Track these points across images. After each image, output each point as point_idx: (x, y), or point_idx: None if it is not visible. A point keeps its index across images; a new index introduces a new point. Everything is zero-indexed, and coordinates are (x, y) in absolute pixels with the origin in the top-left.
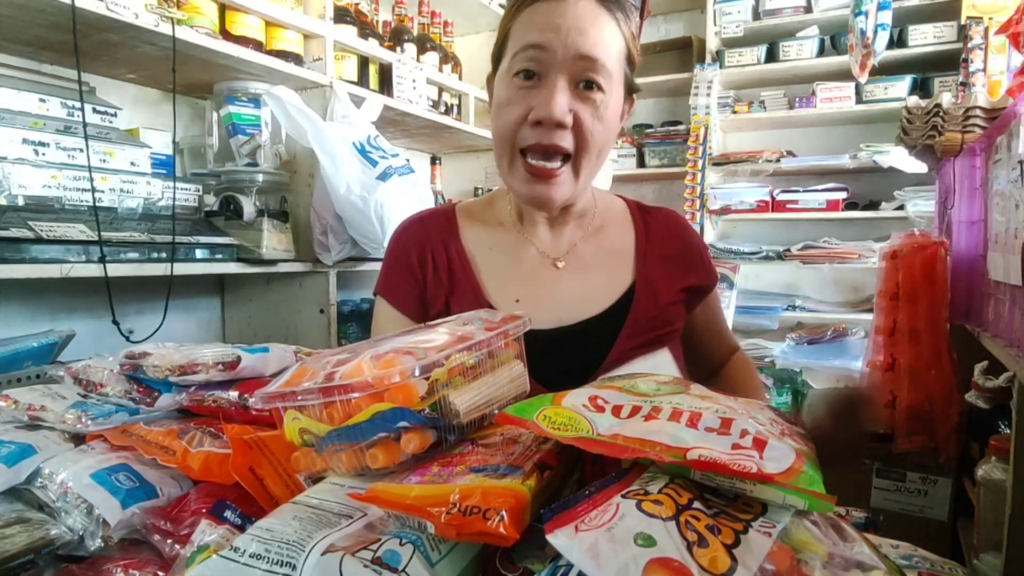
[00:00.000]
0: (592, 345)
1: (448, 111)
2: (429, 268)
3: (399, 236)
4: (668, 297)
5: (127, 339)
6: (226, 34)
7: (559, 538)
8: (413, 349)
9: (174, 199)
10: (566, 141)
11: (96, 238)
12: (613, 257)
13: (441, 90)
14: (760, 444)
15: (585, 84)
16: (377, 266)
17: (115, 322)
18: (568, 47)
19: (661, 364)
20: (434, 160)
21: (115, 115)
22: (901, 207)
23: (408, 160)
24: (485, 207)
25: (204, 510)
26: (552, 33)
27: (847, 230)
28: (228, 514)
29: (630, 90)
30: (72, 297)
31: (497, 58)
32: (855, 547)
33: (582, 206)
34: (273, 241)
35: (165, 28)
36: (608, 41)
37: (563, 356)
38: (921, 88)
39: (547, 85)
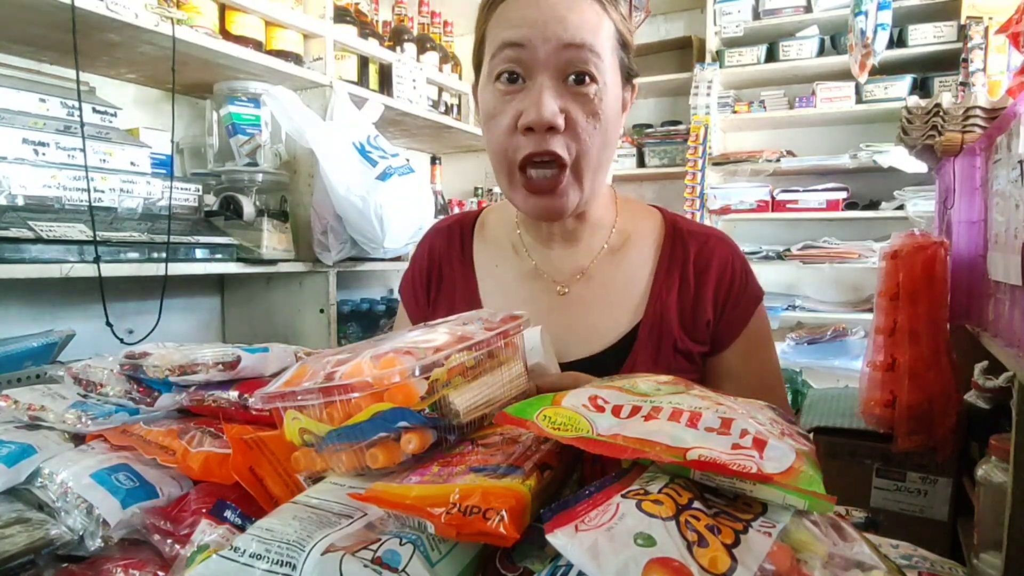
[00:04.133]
0: None
1: (448, 111)
2: (434, 282)
3: (421, 243)
4: (680, 341)
5: (121, 341)
6: (226, 34)
7: (559, 538)
8: (413, 349)
9: (170, 199)
10: (560, 147)
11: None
12: (626, 286)
13: (441, 90)
14: (760, 444)
15: (576, 77)
16: (377, 266)
17: (108, 324)
18: (549, 39)
19: None
20: (434, 160)
21: (115, 115)
22: (901, 207)
23: (408, 160)
24: (502, 217)
25: (204, 510)
26: (529, 28)
27: (847, 230)
28: (228, 514)
29: (628, 76)
30: (72, 297)
31: (478, 64)
32: (855, 547)
33: (597, 218)
34: (273, 241)
35: (165, 28)
36: (593, 23)
37: None
38: (921, 88)
39: (533, 86)
